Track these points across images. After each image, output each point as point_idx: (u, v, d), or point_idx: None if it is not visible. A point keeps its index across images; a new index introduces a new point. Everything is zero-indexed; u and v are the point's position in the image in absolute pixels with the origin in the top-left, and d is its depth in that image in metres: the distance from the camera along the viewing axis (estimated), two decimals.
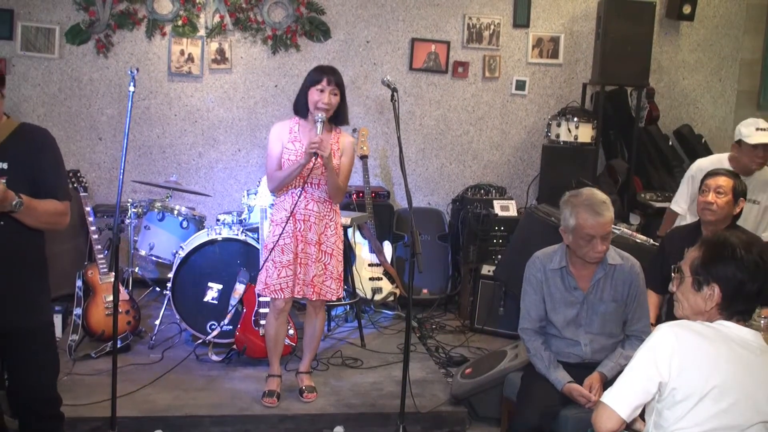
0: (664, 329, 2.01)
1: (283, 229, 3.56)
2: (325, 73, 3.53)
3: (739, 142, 4.10)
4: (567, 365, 3.09)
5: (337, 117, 3.61)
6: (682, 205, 4.34)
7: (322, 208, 3.63)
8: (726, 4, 6.21)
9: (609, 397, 2.03)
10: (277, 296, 3.64)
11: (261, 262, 3.78)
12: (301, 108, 3.60)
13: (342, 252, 3.74)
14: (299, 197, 3.55)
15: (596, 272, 3.04)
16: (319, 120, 3.46)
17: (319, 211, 3.62)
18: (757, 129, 4.05)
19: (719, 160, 4.25)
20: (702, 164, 4.25)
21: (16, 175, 2.55)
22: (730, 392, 1.95)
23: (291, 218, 3.56)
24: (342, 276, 3.75)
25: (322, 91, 3.49)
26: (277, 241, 3.57)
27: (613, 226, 3.12)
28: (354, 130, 5.48)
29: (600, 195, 2.96)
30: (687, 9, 5.97)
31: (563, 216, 2.98)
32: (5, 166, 2.56)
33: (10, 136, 2.59)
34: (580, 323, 3.07)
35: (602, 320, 3.07)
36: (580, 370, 3.07)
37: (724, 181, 3.43)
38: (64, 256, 4.86)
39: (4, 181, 2.47)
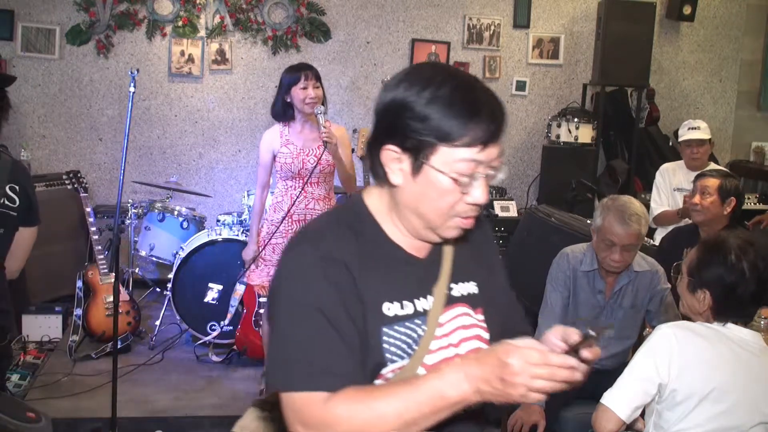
0: (664, 330, 2.01)
1: (276, 228, 3.59)
2: (301, 70, 3.56)
3: (680, 143, 4.45)
4: None
5: None
6: (661, 205, 4.51)
7: (323, 205, 3.65)
8: (726, 4, 6.21)
9: (609, 398, 2.03)
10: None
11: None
12: (282, 113, 3.62)
13: None
14: (297, 196, 3.58)
15: (620, 279, 2.98)
16: (319, 112, 3.51)
17: (322, 209, 3.64)
18: (690, 128, 4.39)
19: (680, 163, 4.55)
20: (662, 168, 4.59)
21: (492, 309, 1.47)
22: (730, 393, 1.95)
23: (288, 218, 3.58)
24: None
25: (305, 88, 3.53)
26: (269, 240, 3.61)
27: None
28: (354, 131, 5.47)
29: (636, 207, 2.86)
30: (687, 9, 5.97)
31: (594, 215, 2.96)
32: (475, 289, 1.45)
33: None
34: None
35: (620, 325, 3.03)
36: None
37: (709, 182, 3.45)
38: (64, 257, 4.86)
39: (477, 321, 1.42)
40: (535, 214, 4.47)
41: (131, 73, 3.17)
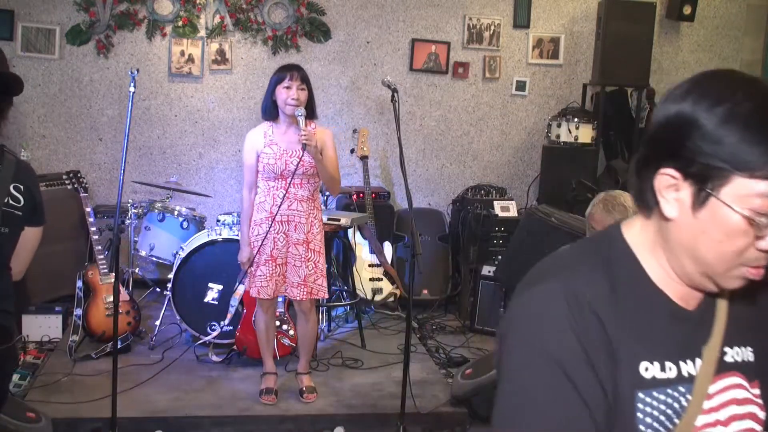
0: None
1: (267, 231, 3.59)
2: (288, 70, 3.56)
3: None
4: None
5: (309, 112, 3.62)
6: None
7: (307, 206, 3.64)
8: (726, 4, 6.21)
9: None
10: (259, 295, 3.69)
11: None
12: (270, 111, 3.62)
13: (325, 248, 3.78)
14: (282, 199, 3.57)
15: None
16: (300, 114, 3.50)
17: (305, 210, 3.63)
18: None
19: None
20: None
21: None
22: None
23: (271, 219, 3.58)
24: (326, 272, 3.78)
25: (288, 88, 3.52)
26: (263, 241, 3.60)
27: None
28: (354, 131, 5.48)
29: (624, 199, 2.91)
30: (687, 10, 5.97)
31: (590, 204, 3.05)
32: (751, 356, 1.18)
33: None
34: None
35: None
36: None
37: None
38: (64, 257, 4.86)
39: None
40: (535, 214, 4.47)
41: (131, 73, 3.17)
